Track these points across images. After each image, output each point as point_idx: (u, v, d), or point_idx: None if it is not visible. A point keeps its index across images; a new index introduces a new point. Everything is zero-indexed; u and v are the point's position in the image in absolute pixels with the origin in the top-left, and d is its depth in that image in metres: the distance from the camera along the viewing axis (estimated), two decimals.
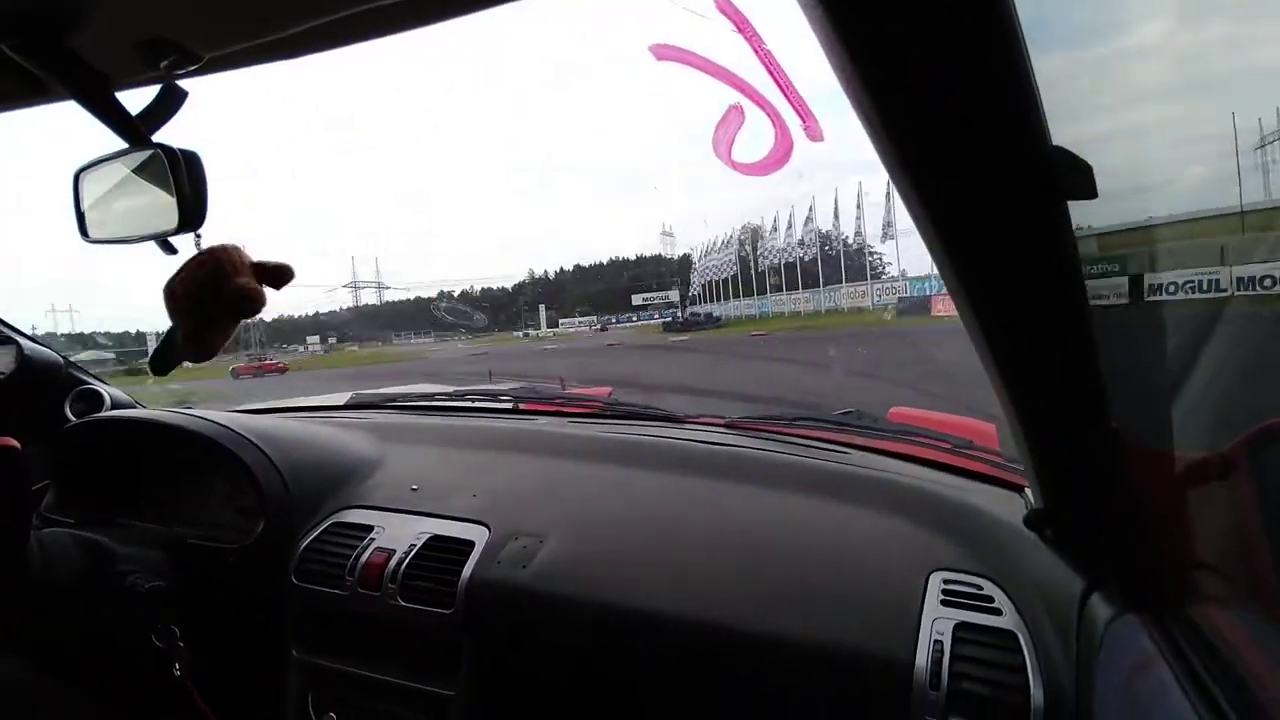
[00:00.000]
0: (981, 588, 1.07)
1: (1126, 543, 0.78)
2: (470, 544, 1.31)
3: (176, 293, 0.95)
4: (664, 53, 0.67)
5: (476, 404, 2.08)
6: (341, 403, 2.17)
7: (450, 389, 2.34)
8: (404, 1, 0.63)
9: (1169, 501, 0.76)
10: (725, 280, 47.44)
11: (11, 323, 1.68)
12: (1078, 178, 0.49)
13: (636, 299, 57.13)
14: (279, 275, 0.99)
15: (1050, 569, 1.00)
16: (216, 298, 0.94)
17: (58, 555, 1.23)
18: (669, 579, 1.18)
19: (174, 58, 0.74)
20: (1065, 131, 0.49)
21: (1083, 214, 0.54)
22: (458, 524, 1.37)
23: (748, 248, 45.31)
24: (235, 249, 0.97)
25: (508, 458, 1.65)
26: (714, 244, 49.08)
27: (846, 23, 0.44)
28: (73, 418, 1.67)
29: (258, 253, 0.97)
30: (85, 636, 1.34)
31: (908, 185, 0.52)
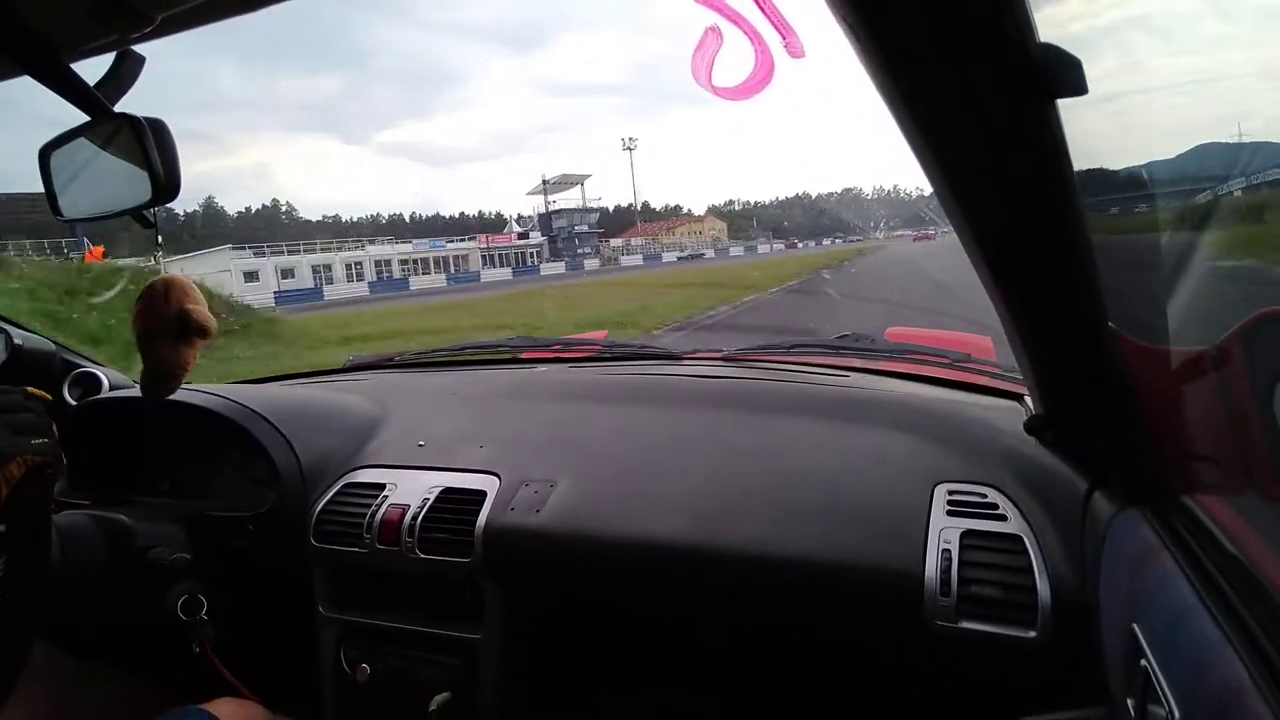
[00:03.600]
0: (986, 495, 1.09)
1: (1126, 440, 0.80)
2: (482, 494, 1.33)
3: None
4: None
5: (474, 356, 2.08)
6: (337, 367, 2.17)
7: (448, 345, 2.34)
8: None
9: (1167, 397, 0.76)
10: None
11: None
12: (1066, 73, 0.47)
13: None
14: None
15: (1052, 472, 1.02)
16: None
17: (76, 537, 1.24)
18: (680, 510, 1.21)
19: (126, 21, 0.71)
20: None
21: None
22: (468, 475, 1.39)
23: None
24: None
25: (511, 406, 1.66)
26: None
27: None
28: (72, 401, 1.66)
29: None
30: (114, 614, 1.37)
31: (891, 88, 0.50)
